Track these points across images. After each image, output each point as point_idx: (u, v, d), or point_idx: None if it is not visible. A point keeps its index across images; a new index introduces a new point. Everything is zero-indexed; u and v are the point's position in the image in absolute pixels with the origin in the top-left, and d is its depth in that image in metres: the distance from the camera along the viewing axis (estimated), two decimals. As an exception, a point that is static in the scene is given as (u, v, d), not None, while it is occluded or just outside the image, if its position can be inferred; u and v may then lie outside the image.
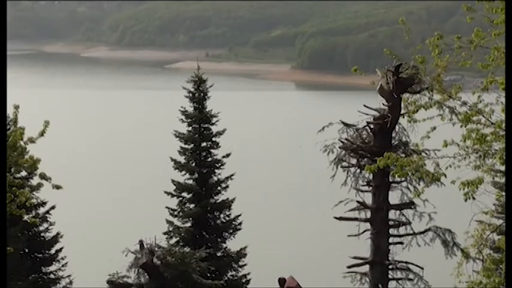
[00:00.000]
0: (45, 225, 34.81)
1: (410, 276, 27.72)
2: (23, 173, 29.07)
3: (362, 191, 28.06)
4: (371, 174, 27.03)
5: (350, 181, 27.98)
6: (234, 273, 40.18)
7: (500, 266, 20.28)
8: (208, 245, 38.92)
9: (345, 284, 28.91)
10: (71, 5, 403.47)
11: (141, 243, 32.58)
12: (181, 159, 40.86)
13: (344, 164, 28.03)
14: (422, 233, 27.42)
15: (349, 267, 28.48)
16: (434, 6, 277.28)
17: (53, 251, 35.06)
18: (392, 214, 27.89)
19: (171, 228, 40.22)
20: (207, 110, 40.92)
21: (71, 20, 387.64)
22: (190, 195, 40.63)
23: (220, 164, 40.84)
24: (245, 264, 40.50)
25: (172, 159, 41.06)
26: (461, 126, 18.20)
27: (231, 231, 40.63)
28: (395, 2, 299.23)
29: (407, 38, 21.04)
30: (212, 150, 40.84)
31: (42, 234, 34.72)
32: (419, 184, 25.54)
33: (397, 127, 27.37)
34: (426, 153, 23.68)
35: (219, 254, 39.82)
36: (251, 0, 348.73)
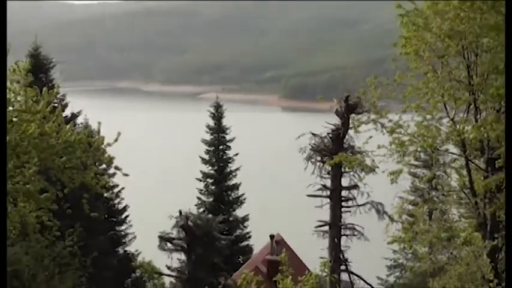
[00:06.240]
0: (118, 200, 34.81)
1: (355, 233, 27.80)
2: (103, 166, 29.01)
3: (324, 178, 28.13)
4: (330, 167, 27.12)
5: (317, 171, 28.04)
6: (240, 231, 40.32)
7: (414, 226, 20.31)
8: (223, 213, 39.04)
9: (314, 238, 28.78)
10: (136, 54, 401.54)
11: (180, 212, 32.74)
12: (206, 156, 41.07)
13: (312, 160, 28.10)
14: (363, 205, 27.50)
15: (316, 227, 28.55)
16: (372, 57, 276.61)
17: (123, 216, 35.01)
18: (344, 193, 27.96)
19: (199, 202, 40.39)
20: (223, 124, 41.11)
21: (133, 65, 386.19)
22: (212, 180, 40.80)
23: (231, 160, 41.03)
24: (248, 226, 40.66)
25: (200, 157, 41.28)
26: (388, 135, 18.25)
27: (239, 203, 40.81)
28: (348, 52, 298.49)
29: (353, 78, 21.16)
30: (226, 151, 41.01)
31: (116, 206, 34.73)
32: (361, 173, 25.62)
33: (347, 136, 27.44)
34: (365, 153, 23.73)
35: (231, 218, 39.93)
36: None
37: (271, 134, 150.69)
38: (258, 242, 38.71)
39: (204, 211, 38.86)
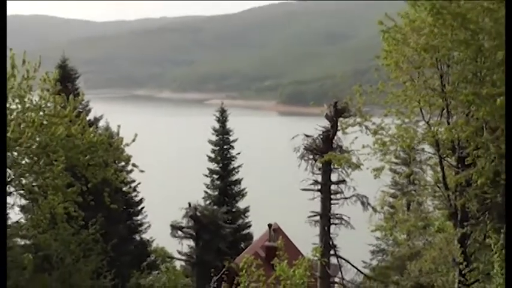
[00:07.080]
0: (135, 193, 34.66)
1: (343, 222, 27.65)
2: (122, 163, 28.97)
3: (316, 174, 27.96)
4: (321, 164, 27.01)
5: (309, 168, 27.85)
6: (242, 221, 40.34)
7: (394, 216, 20.34)
8: (227, 205, 39.08)
9: (307, 226, 28.59)
10: (151, 65, 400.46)
11: (189, 204, 32.77)
12: (212, 155, 41.06)
13: (305, 158, 27.95)
14: (350, 197, 27.27)
15: (308, 217, 28.39)
16: (357, 68, 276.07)
17: (139, 208, 34.83)
18: (333, 187, 27.82)
19: (206, 195, 40.39)
20: (227, 127, 41.12)
21: (149, 75, 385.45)
22: (217, 176, 40.80)
23: (234, 158, 41.04)
24: (249, 216, 40.66)
25: (207, 156, 41.25)
26: (372, 136, 18.24)
27: (240, 196, 40.82)
28: (337, 63, 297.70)
29: (341, 86, 21.12)
30: (230, 150, 41.02)
31: (133, 198, 34.60)
32: (348, 170, 25.52)
33: (335, 137, 27.33)
34: (352, 152, 23.63)
35: (234, 210, 39.96)
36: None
37: (269, 136, 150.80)
38: (258, 230, 38.76)
39: (210, 203, 38.90)
